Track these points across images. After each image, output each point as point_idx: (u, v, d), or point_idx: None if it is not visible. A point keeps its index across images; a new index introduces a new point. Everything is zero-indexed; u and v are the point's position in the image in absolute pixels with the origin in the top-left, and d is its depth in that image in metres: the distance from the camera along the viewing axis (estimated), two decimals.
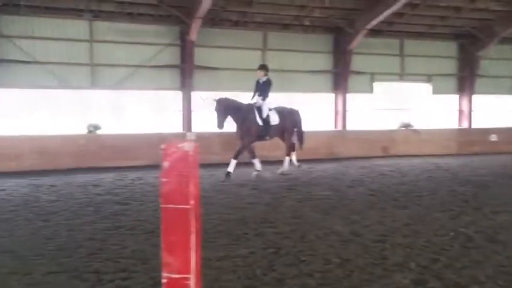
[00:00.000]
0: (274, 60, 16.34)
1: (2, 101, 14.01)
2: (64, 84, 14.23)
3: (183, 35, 15.19)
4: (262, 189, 9.67)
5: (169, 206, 1.48)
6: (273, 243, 5.69)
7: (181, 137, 14.90)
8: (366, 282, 4.45)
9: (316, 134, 15.76)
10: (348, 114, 17.50)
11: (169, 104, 16.10)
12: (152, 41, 15.23)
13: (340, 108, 17.40)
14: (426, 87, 18.81)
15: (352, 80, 17.47)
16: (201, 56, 15.65)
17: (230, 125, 11.63)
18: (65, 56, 14.31)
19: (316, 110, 17.42)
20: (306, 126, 12.80)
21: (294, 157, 12.47)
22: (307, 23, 16.57)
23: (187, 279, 1.47)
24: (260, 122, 11.38)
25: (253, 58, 16.26)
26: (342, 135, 16.81)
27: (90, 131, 14.14)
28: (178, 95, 15.72)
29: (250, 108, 11.44)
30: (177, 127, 15.65)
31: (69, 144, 13.24)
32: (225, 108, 11.14)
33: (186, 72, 15.30)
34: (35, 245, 5.50)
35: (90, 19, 14.44)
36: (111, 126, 14.76)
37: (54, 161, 12.89)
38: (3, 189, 9.70)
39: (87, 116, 14.62)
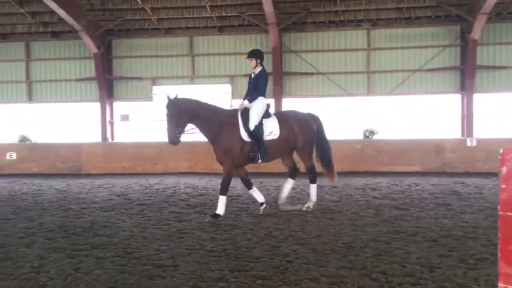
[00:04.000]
0: None
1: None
2: (343, 92, 15.17)
3: (464, 34, 14.26)
4: None
5: (509, 214, 1.41)
6: None
7: (460, 143, 14.03)
8: None
9: None
10: None
11: (446, 108, 15.29)
12: (429, 44, 14.81)
13: None
14: None
15: None
16: (484, 55, 14.42)
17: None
18: (344, 66, 15.24)
19: None
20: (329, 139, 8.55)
21: (313, 191, 8.31)
22: None
23: None
24: (246, 137, 7.57)
25: None
26: None
27: (366, 136, 14.65)
28: (456, 98, 14.85)
29: (232, 116, 7.69)
30: (456, 132, 14.77)
31: (347, 148, 13.98)
32: (180, 112, 7.32)
33: (466, 73, 14.31)
34: (325, 241, 6.00)
35: (368, 28, 15.01)
36: (387, 132, 14.95)
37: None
38: (293, 188, 10.88)
39: (364, 121, 15.17)
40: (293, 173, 8.28)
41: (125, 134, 16.52)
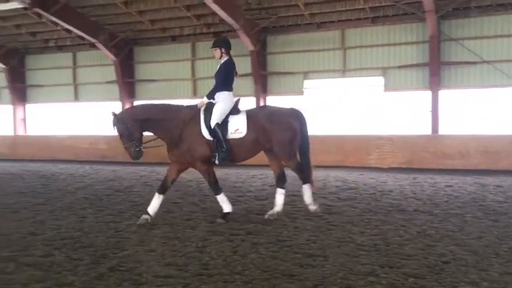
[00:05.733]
0: None
1: (450, 101, 14.74)
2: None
3: None
4: None
5: None
6: None
7: None
8: None
9: None
10: None
11: None
12: None
13: None
14: None
15: None
16: None
17: None
18: None
19: None
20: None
21: (307, 193, 7.32)
22: None
23: None
24: (206, 134, 6.88)
25: None
26: None
27: None
28: None
29: (195, 113, 7.00)
30: None
31: None
32: (128, 125, 6.73)
33: None
34: (487, 244, 5.53)
35: None
36: None
37: (498, 161, 12.58)
38: (450, 186, 10.21)
39: None
40: (282, 181, 7.37)
41: None
